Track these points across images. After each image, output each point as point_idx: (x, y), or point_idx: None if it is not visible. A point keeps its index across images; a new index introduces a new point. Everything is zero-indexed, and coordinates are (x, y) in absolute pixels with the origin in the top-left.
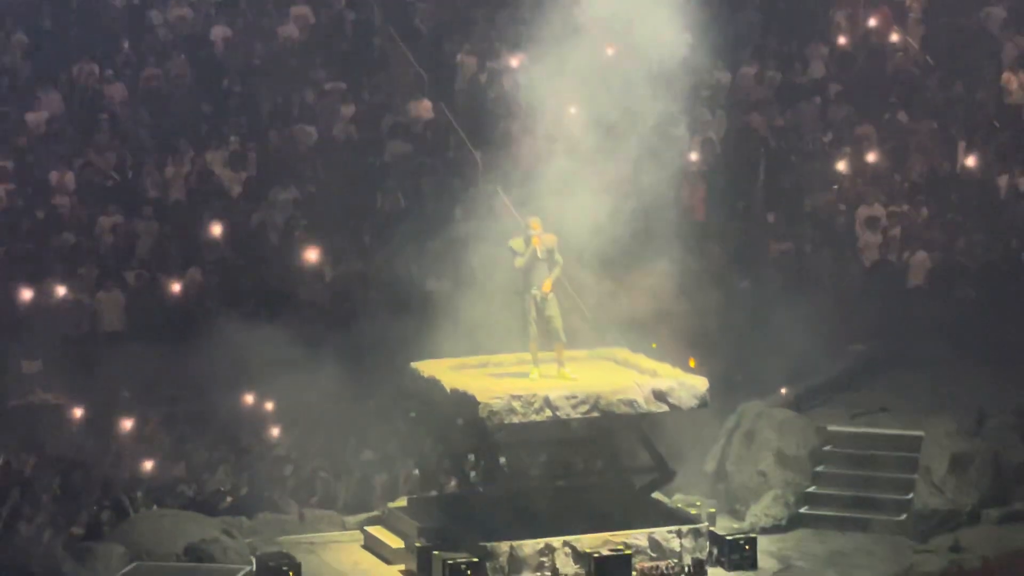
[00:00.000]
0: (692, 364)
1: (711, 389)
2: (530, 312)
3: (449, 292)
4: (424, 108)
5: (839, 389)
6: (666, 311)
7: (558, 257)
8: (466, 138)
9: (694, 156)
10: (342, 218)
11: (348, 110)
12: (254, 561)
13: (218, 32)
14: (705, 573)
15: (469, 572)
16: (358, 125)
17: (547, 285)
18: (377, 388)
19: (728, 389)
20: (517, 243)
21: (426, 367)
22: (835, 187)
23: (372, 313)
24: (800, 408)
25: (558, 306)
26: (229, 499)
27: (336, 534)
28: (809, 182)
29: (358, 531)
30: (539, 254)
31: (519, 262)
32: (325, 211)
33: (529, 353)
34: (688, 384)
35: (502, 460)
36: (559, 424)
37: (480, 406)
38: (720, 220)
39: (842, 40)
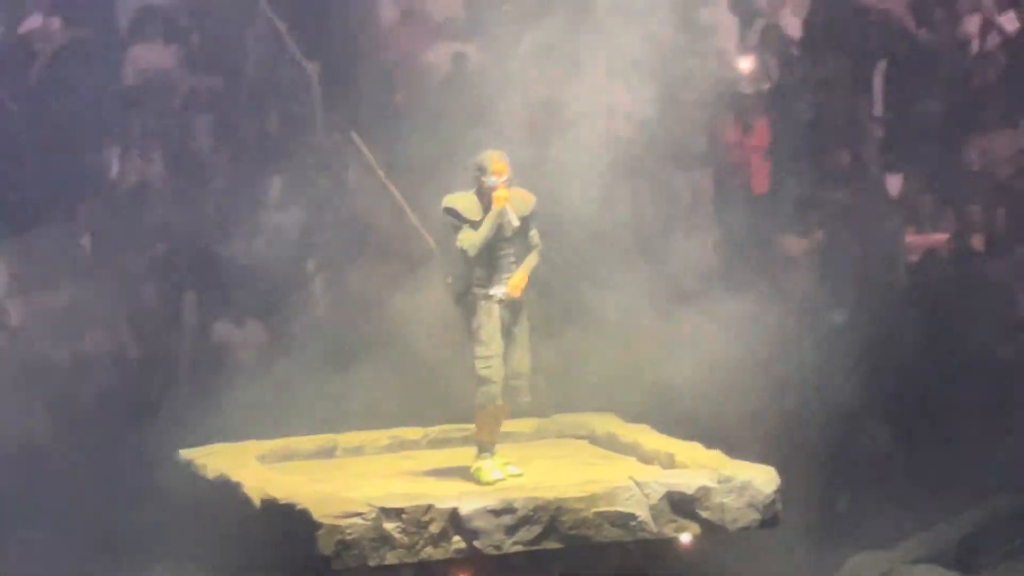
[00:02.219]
0: None
1: (782, 502)
2: (488, 327)
3: (253, 330)
4: None
5: None
6: (693, 367)
7: (535, 236)
8: (287, 36)
9: (746, 66)
10: (39, 203)
11: None
12: None
13: None
14: None
15: None
16: (68, 19)
17: (520, 282)
18: (117, 503)
19: (824, 525)
20: (464, 202)
21: (211, 458)
22: None
23: (106, 372)
24: (961, 565)
25: (528, 328)
26: None
27: None
28: (973, 115)
29: None
30: (513, 221)
31: (468, 239)
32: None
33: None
34: (739, 482)
35: None
36: (483, 567)
37: (320, 532)
38: (799, 192)
39: None
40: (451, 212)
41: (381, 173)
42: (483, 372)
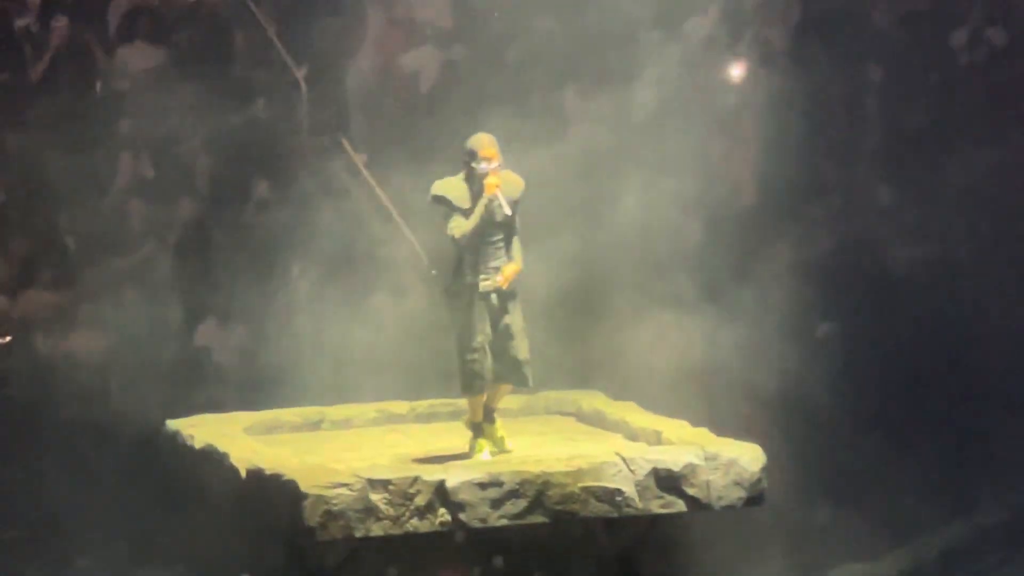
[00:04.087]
0: None
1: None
2: (476, 320)
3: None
4: None
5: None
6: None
7: (516, 221)
8: (271, 34)
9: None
10: None
11: None
12: None
13: None
14: None
15: None
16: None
17: (511, 272)
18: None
19: (805, 536)
20: (454, 188)
21: (198, 428)
22: None
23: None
24: None
25: (521, 314)
26: None
27: None
28: (964, 122)
29: None
30: (505, 209)
31: (459, 226)
32: None
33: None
34: (726, 459)
35: None
36: (470, 541)
37: (306, 503)
38: (785, 201)
39: None
40: (440, 200)
41: (371, 180)
42: (471, 366)
